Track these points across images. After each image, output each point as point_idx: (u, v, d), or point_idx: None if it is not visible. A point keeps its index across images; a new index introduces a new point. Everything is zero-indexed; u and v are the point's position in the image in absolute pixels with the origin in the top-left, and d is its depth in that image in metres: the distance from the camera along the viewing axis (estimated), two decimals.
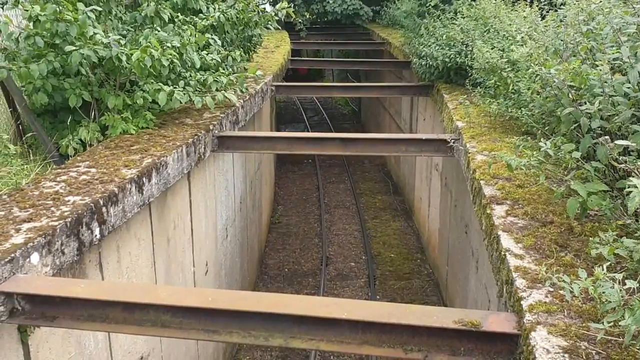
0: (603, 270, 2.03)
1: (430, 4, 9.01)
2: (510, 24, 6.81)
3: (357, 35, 17.17)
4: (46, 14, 4.64)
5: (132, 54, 4.87)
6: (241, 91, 6.49)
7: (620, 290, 1.95)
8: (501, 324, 2.47)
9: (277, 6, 8.12)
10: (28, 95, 5.00)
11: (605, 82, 3.27)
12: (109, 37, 4.88)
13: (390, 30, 14.78)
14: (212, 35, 6.47)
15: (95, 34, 4.84)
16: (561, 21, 4.71)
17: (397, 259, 10.23)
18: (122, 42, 5.12)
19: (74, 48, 4.64)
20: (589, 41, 3.85)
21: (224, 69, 6.23)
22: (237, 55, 6.53)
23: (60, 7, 4.70)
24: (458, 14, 8.08)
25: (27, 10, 4.68)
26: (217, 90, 5.79)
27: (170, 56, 5.14)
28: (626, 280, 2.02)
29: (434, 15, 8.88)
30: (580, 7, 4.41)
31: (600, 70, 3.32)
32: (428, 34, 8.56)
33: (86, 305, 2.79)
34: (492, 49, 6.16)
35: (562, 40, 4.41)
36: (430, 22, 8.85)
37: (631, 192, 2.21)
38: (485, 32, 7.09)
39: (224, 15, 6.99)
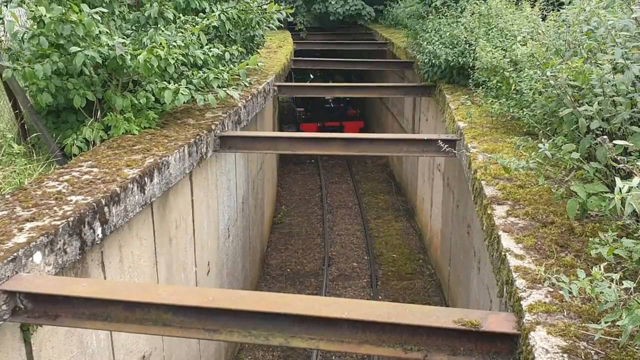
0: (600, 270, 2.03)
1: (435, 3, 8.99)
2: (512, 24, 6.80)
3: (359, 35, 17.14)
4: (52, 15, 4.66)
5: (138, 55, 4.89)
6: (245, 85, 6.47)
7: (618, 290, 1.96)
8: (501, 324, 2.48)
9: (267, 7, 8.08)
10: (32, 95, 5.03)
11: (606, 82, 3.26)
12: (114, 39, 4.89)
13: (392, 30, 14.77)
14: (213, 34, 6.47)
15: (100, 33, 4.86)
16: (563, 21, 4.71)
17: (400, 259, 10.24)
18: (127, 42, 5.13)
19: (79, 49, 4.66)
20: (591, 41, 3.85)
21: (223, 66, 6.23)
22: (234, 50, 6.52)
23: (66, 9, 4.72)
24: (464, 12, 8.06)
25: (32, 11, 4.70)
26: (218, 87, 5.79)
27: (176, 55, 5.16)
28: (623, 280, 2.02)
29: (440, 12, 8.86)
30: (582, 8, 4.41)
31: (602, 69, 3.31)
32: (433, 29, 8.53)
33: (88, 304, 2.81)
34: (494, 48, 6.15)
35: (563, 41, 4.41)
36: (436, 19, 8.83)
37: (625, 193, 2.21)
38: (488, 31, 7.08)
39: (224, 14, 7.00)
